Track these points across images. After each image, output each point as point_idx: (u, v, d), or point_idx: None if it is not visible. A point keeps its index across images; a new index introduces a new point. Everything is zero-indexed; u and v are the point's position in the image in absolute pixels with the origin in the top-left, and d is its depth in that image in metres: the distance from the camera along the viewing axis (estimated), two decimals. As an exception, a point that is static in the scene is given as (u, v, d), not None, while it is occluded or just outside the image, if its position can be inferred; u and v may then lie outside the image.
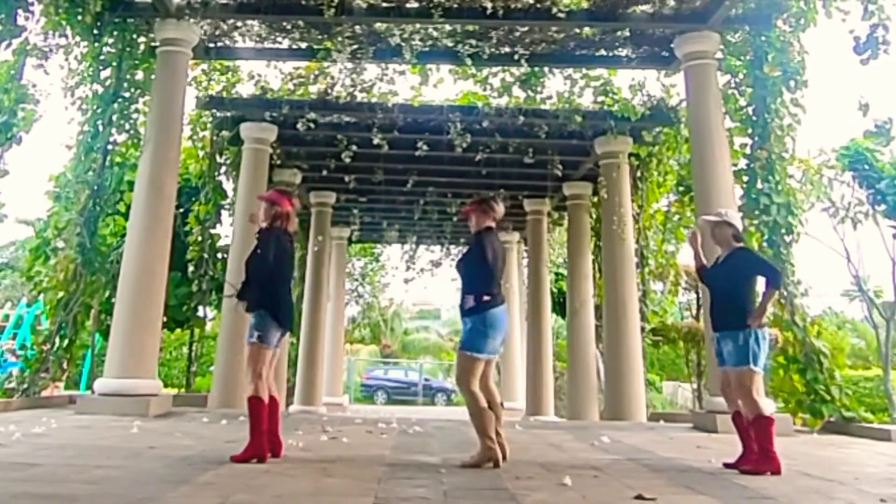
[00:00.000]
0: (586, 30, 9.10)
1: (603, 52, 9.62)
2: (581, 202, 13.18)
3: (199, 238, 10.84)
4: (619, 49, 9.52)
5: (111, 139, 8.59)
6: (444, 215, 14.73)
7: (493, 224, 4.91)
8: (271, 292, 4.72)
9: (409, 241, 18.24)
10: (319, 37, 9.33)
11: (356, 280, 22.33)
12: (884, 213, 8.45)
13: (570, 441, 6.22)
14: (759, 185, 7.93)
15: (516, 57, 9.37)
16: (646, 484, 3.89)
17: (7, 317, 15.55)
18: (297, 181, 12.70)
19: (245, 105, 10.77)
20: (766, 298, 4.65)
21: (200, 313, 11.44)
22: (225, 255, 11.01)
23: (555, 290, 16.76)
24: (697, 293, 13.39)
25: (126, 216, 8.51)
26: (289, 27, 9.30)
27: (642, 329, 10.64)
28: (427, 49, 9.29)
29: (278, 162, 11.81)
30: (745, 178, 8.13)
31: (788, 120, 8.00)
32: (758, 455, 4.45)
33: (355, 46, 9.20)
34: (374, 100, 10.55)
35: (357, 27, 9.08)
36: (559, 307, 17.02)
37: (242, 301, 4.70)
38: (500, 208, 4.98)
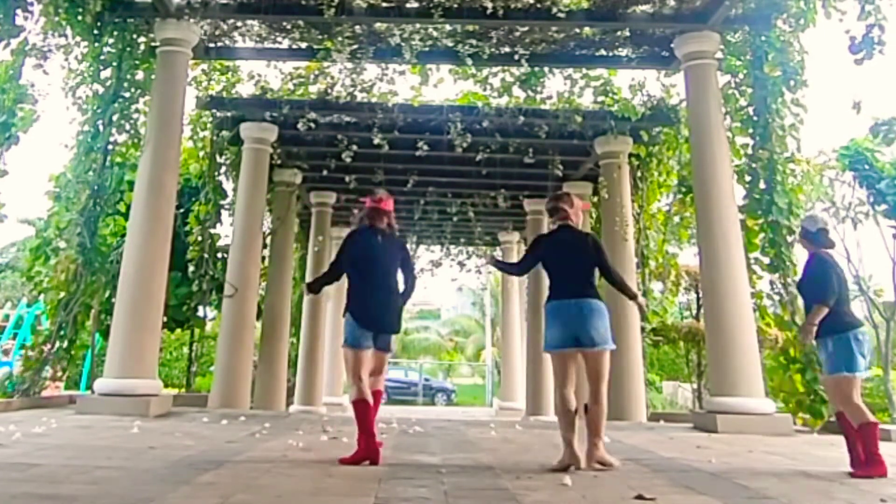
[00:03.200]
0: (586, 30, 9.10)
1: (603, 52, 9.62)
2: (581, 202, 13.15)
3: (199, 238, 10.83)
4: (619, 49, 9.52)
5: (111, 139, 8.58)
6: (444, 215, 14.72)
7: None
8: (351, 294, 4.72)
9: (409, 240, 18.23)
10: (319, 37, 9.33)
11: (356, 280, 22.29)
12: (884, 213, 8.45)
13: (570, 441, 6.19)
14: (762, 186, 7.94)
15: (516, 57, 9.37)
16: (646, 484, 3.89)
17: (7, 317, 15.54)
18: (298, 181, 12.70)
19: (245, 105, 10.77)
20: (811, 314, 4.54)
21: (200, 313, 11.44)
22: (225, 255, 11.01)
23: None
24: (697, 293, 13.39)
25: (126, 216, 8.51)
26: (289, 27, 9.31)
27: (642, 329, 10.64)
28: (427, 49, 9.29)
29: (278, 162, 11.81)
30: (748, 179, 8.14)
31: (790, 120, 8.00)
32: (866, 459, 4.35)
33: (355, 46, 9.20)
34: (374, 100, 10.55)
35: (357, 27, 9.08)
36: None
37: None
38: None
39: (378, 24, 9.01)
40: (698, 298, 13.30)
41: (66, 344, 8.32)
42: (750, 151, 8.21)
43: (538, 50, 9.52)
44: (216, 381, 10.03)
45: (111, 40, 8.60)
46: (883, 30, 7.09)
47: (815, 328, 4.55)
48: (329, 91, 10.50)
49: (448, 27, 9.01)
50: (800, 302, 7.56)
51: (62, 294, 8.27)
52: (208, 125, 11.23)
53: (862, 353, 4.47)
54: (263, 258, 11.91)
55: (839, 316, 4.52)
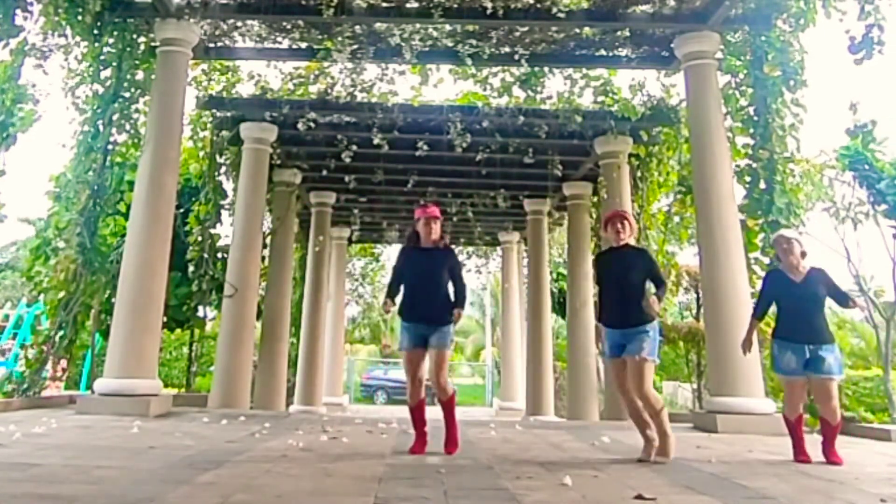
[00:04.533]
0: (586, 30, 9.10)
1: (603, 52, 9.62)
2: (581, 202, 13.18)
3: (199, 238, 10.84)
4: (619, 49, 9.52)
5: (111, 139, 8.59)
6: (445, 215, 14.65)
7: None
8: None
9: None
10: (319, 37, 9.33)
11: (356, 280, 22.34)
12: (884, 213, 8.44)
13: (570, 441, 6.21)
14: (762, 186, 7.93)
15: (516, 57, 9.37)
16: (646, 484, 3.89)
17: (7, 317, 15.54)
18: (297, 181, 12.70)
19: (245, 105, 10.77)
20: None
21: (200, 313, 11.43)
22: (225, 255, 11.01)
23: (555, 290, 16.77)
24: (697, 293, 13.40)
25: (126, 216, 8.51)
26: (289, 27, 9.31)
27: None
28: (427, 49, 9.30)
29: (278, 162, 11.82)
30: (748, 179, 8.13)
31: (790, 120, 8.00)
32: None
33: (355, 46, 9.20)
34: (374, 100, 10.55)
35: (357, 27, 9.08)
36: (559, 307, 17.03)
37: None
38: None
39: (378, 24, 9.01)
40: (698, 298, 13.31)
41: (65, 344, 8.31)
42: (750, 151, 8.21)
43: (538, 50, 9.52)
44: (216, 381, 10.03)
45: (111, 40, 8.60)
46: (882, 30, 7.09)
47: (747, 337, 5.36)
48: (329, 91, 10.50)
49: (448, 27, 9.01)
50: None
51: (62, 294, 8.27)
52: (208, 125, 11.23)
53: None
54: (263, 258, 11.92)
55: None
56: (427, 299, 5.01)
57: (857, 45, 7.16)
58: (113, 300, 8.10)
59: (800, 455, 5.10)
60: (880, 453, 5.77)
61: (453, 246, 19.47)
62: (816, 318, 5.01)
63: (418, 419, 5.12)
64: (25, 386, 8.04)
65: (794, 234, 5.35)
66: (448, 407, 5.10)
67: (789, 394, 5.22)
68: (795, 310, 5.06)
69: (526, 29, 9.04)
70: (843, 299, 5.15)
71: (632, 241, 5.13)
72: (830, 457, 4.98)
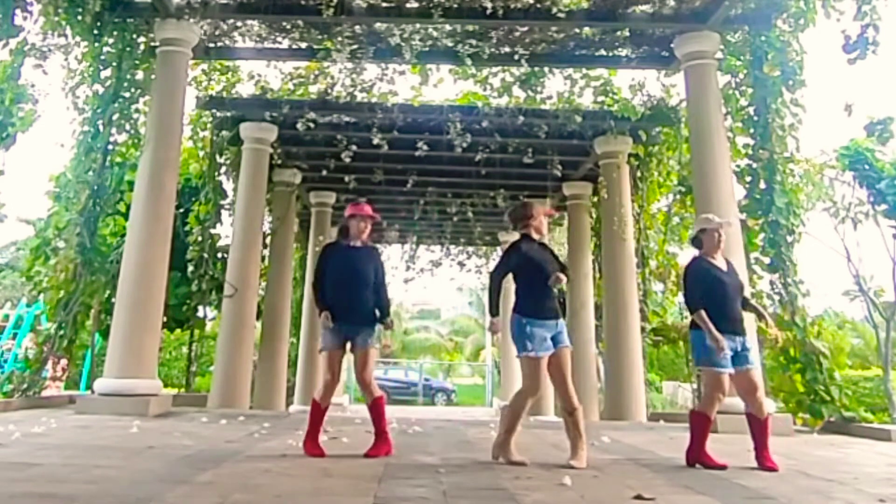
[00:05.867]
0: (586, 30, 9.10)
1: (603, 52, 9.62)
2: (581, 202, 13.18)
3: (199, 238, 10.85)
4: (619, 49, 9.52)
5: (111, 139, 8.58)
6: (444, 215, 14.73)
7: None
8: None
9: (409, 241, 18.23)
10: (319, 37, 9.33)
11: (356, 280, 22.33)
12: (884, 213, 8.45)
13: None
14: (762, 186, 7.94)
15: (516, 57, 9.36)
16: (645, 484, 3.89)
17: (7, 317, 15.54)
18: (297, 181, 12.71)
19: (245, 105, 10.78)
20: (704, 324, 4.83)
21: (200, 313, 11.44)
22: (225, 255, 11.02)
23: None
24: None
25: (126, 216, 8.51)
26: (289, 27, 9.31)
27: (642, 329, 10.64)
28: (427, 49, 9.29)
29: (278, 162, 11.82)
30: (748, 179, 8.14)
31: (790, 120, 8.01)
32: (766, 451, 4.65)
33: (355, 46, 9.20)
34: (374, 100, 10.55)
35: (357, 27, 9.08)
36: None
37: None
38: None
39: (378, 24, 9.01)
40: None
41: (65, 344, 8.31)
42: (750, 151, 8.21)
43: (538, 50, 9.51)
44: (216, 381, 10.03)
45: (111, 40, 8.59)
46: (877, 30, 7.09)
47: (712, 334, 4.66)
48: (329, 91, 10.50)
49: (448, 27, 9.01)
50: (799, 302, 7.61)
51: (62, 294, 8.27)
52: (208, 125, 11.24)
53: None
54: (263, 258, 11.92)
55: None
56: (351, 298, 4.81)
57: (851, 44, 7.17)
58: (113, 300, 8.10)
59: (702, 457, 4.66)
60: (880, 453, 5.77)
61: (456, 246, 19.38)
62: (738, 307, 4.87)
63: (321, 420, 4.88)
64: (25, 386, 8.04)
65: (722, 221, 5.08)
66: (376, 410, 4.85)
67: (718, 390, 4.70)
68: (728, 298, 4.82)
69: (526, 29, 9.04)
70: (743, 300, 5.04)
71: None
72: (765, 462, 4.55)
